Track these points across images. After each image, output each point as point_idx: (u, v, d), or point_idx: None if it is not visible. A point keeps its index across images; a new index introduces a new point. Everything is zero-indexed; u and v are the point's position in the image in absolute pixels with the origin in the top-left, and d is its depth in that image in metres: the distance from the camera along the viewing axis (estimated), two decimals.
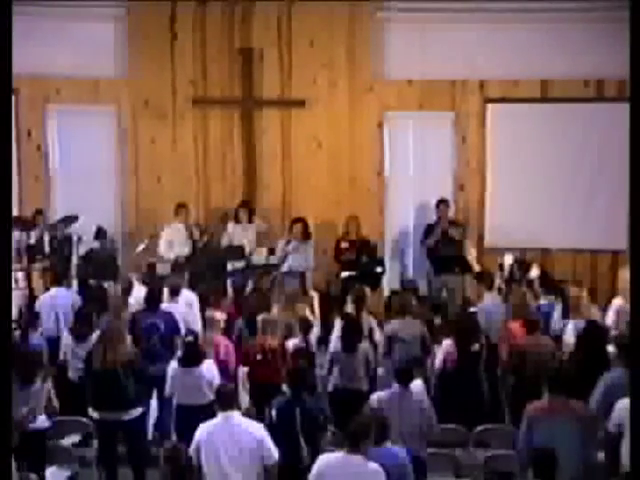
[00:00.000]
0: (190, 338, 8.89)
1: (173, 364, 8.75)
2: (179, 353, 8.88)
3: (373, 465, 6.41)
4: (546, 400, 7.28)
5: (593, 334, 8.97)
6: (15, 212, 12.03)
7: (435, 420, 7.96)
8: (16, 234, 11.59)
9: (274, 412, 7.73)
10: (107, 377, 8.09)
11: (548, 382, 7.31)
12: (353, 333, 9.20)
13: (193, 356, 8.62)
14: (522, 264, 11.71)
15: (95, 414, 8.17)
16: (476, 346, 9.14)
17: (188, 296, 10.47)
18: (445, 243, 12.46)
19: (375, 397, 7.80)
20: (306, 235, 12.38)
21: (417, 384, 8.80)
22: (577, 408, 7.26)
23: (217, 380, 8.43)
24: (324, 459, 6.58)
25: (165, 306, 9.98)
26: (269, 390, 8.79)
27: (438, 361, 9.21)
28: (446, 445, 8.15)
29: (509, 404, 9.16)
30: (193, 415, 7.27)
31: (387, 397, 7.74)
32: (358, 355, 9.04)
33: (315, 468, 6.54)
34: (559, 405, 7.19)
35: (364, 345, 9.24)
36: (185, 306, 10.27)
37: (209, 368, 8.65)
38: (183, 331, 9.60)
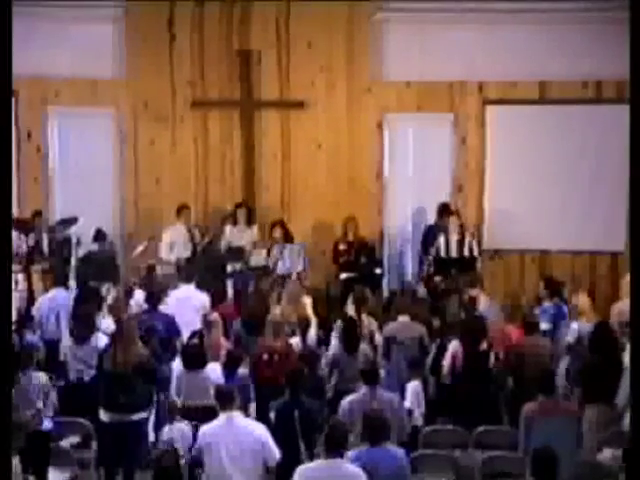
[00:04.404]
0: (194, 341, 8.87)
1: (178, 366, 8.76)
2: (180, 355, 8.88)
3: (352, 468, 6.38)
4: (539, 401, 7.44)
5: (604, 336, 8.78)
6: (14, 213, 12.02)
7: (407, 420, 8.04)
8: (15, 235, 11.58)
9: (273, 413, 7.75)
10: (121, 378, 8.09)
11: (540, 383, 7.43)
12: (353, 334, 9.19)
13: (196, 359, 8.63)
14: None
15: (106, 415, 8.16)
16: (484, 345, 9.05)
17: (199, 297, 10.41)
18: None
19: (346, 401, 7.78)
20: (287, 238, 12.31)
21: (414, 384, 8.87)
22: (568, 408, 7.50)
23: (221, 382, 8.41)
24: (302, 468, 6.51)
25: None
26: (273, 391, 8.81)
27: (446, 362, 9.11)
28: (445, 446, 8.16)
29: (507, 405, 9.16)
30: (199, 416, 7.28)
31: (357, 399, 7.74)
32: (359, 357, 8.99)
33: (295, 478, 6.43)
34: (551, 405, 7.39)
35: (364, 346, 9.22)
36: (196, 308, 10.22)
37: (214, 370, 8.65)
38: (182, 333, 9.63)
